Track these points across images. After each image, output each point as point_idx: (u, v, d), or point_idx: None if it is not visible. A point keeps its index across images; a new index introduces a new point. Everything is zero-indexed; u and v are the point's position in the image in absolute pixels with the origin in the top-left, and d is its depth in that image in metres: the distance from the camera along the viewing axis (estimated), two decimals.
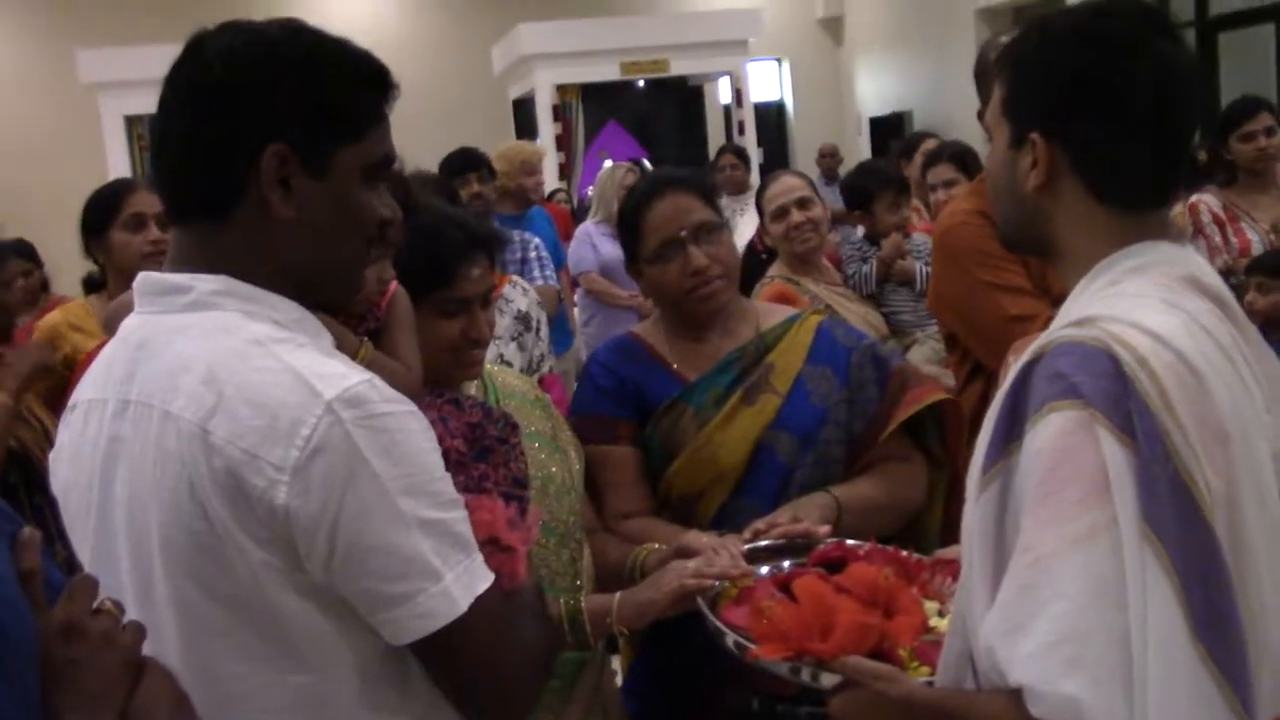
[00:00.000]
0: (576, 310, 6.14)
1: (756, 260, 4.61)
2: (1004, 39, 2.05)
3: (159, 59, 1.36)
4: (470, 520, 1.41)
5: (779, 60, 14.90)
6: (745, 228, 5.83)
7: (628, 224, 2.31)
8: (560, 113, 11.05)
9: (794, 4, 14.70)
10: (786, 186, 3.73)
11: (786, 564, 1.89)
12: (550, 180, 9.87)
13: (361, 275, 1.43)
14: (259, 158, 1.27)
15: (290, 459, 1.19)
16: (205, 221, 1.31)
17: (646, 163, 11.26)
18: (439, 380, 1.97)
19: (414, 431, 1.26)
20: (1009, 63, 1.42)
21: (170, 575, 1.25)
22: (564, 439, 2.18)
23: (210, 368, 1.24)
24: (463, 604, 1.25)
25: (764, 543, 1.94)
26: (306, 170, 1.29)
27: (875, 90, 14.38)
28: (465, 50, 13.18)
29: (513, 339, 3.25)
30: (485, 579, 1.29)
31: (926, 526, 2.34)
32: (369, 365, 1.58)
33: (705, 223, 2.24)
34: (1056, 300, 1.43)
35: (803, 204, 3.67)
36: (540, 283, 4.49)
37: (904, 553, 1.88)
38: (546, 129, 10.88)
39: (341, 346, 1.56)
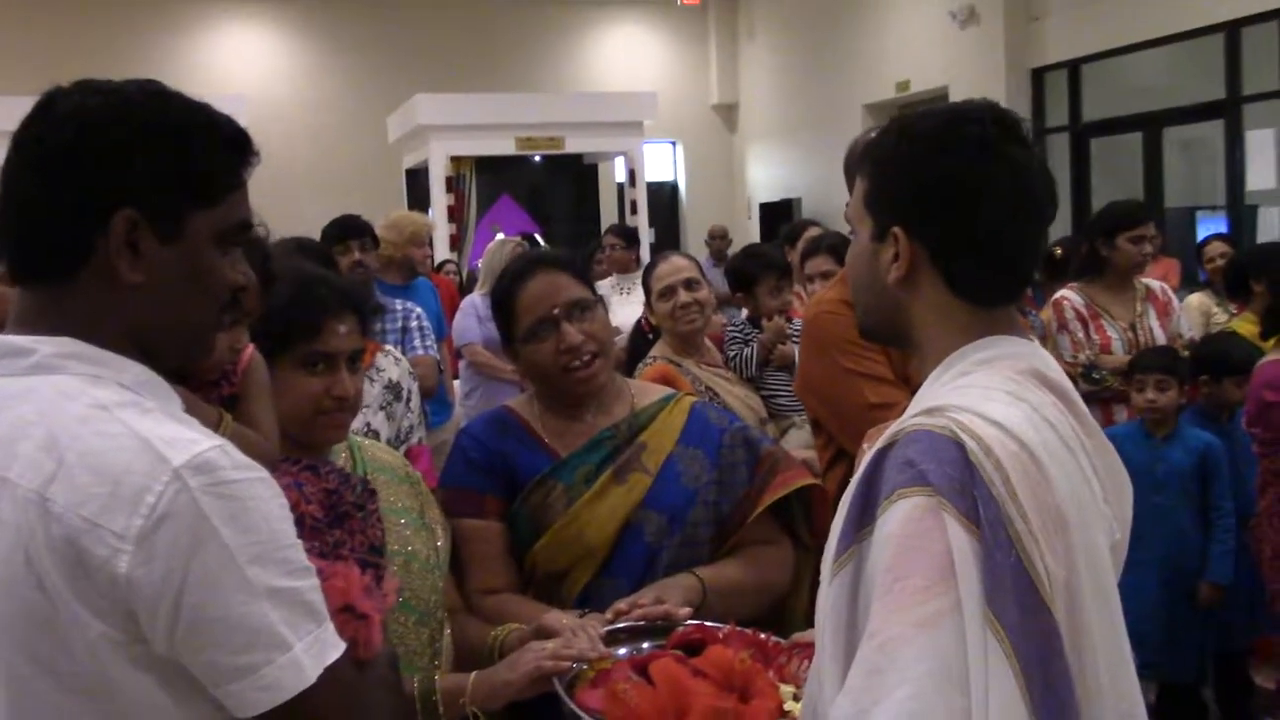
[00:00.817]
0: (458, 382, 6.10)
1: (644, 339, 4.62)
2: (874, 133, 2.12)
3: (21, 110, 1.33)
4: (325, 587, 1.38)
5: (674, 143, 15.18)
6: (632, 307, 5.85)
7: (501, 305, 2.31)
8: (453, 184, 11.05)
9: (689, 89, 15.02)
10: (674, 267, 3.76)
11: (646, 645, 1.88)
12: (441, 251, 9.85)
13: (213, 340, 1.41)
14: (108, 221, 1.24)
15: (134, 527, 1.15)
16: (50, 283, 1.27)
17: (538, 237, 11.33)
18: (301, 442, 1.94)
19: (264, 499, 1.22)
20: (871, 160, 1.47)
21: (2, 649, 1.20)
22: (431, 516, 2.15)
23: (50, 433, 1.20)
24: (311, 674, 1.21)
25: (625, 624, 1.93)
26: (157, 235, 1.26)
27: (765, 176, 14.72)
28: (360, 118, 13.17)
29: (381, 408, 3.21)
30: (336, 649, 1.26)
31: (792, 610, 2.34)
32: (230, 438, 1.54)
33: (578, 300, 2.25)
34: (916, 390, 1.47)
35: (690, 285, 3.70)
36: (420, 352, 4.44)
37: (763, 635, 1.88)
38: (439, 200, 10.87)
39: (200, 420, 1.53)
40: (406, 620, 1.98)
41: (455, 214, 11.12)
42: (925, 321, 1.43)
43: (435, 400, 5.20)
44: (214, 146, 1.31)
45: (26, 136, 1.27)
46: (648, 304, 3.77)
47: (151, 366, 1.31)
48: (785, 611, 2.32)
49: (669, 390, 2.45)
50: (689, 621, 1.93)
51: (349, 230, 4.53)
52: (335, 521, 1.61)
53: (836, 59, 12.98)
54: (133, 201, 1.24)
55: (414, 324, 4.48)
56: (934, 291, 1.41)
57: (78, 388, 1.23)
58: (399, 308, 4.51)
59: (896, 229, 1.40)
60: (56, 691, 1.19)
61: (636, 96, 11.99)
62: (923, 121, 1.43)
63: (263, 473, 1.24)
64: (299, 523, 1.49)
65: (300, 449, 1.96)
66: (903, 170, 1.42)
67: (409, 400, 3.32)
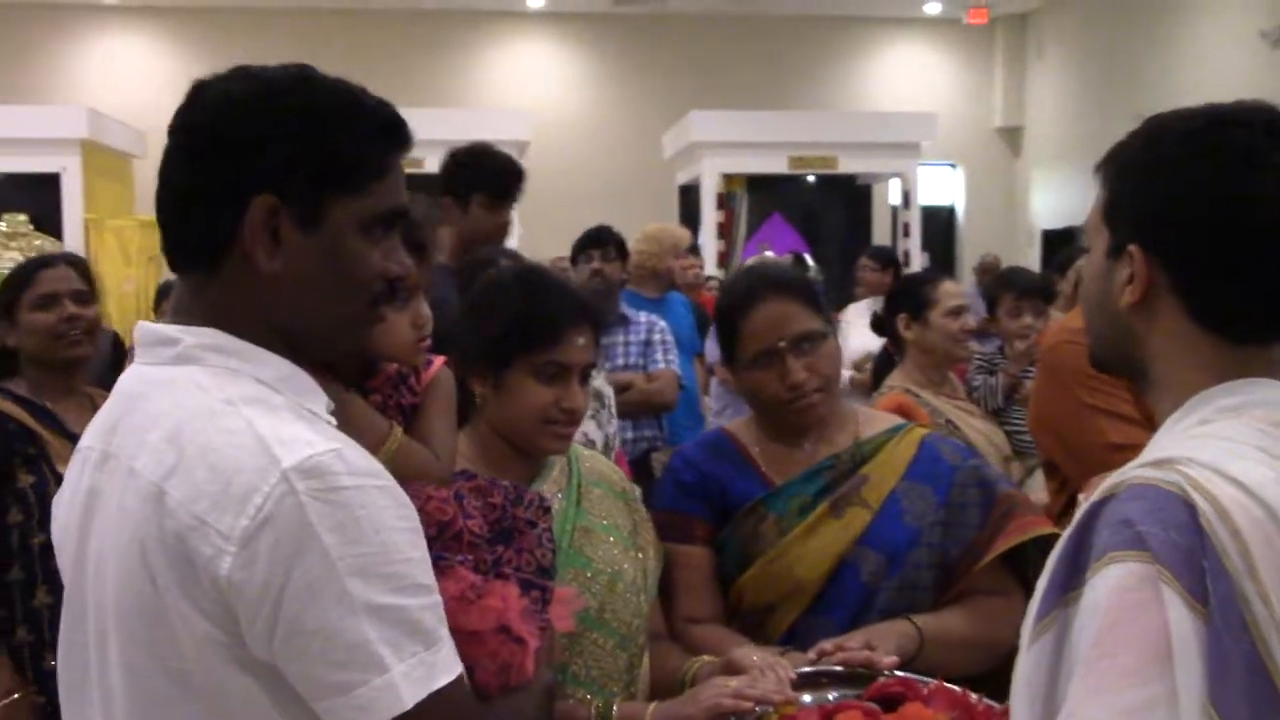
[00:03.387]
0: (710, 399, 6.04)
1: (891, 365, 4.43)
2: None
3: None
4: (480, 605, 1.33)
5: (953, 165, 14.72)
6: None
7: (725, 323, 2.20)
8: (724, 201, 11.08)
9: (972, 110, 14.55)
10: (960, 290, 3.58)
11: (834, 696, 1.74)
12: (709, 267, 9.85)
13: (363, 333, 1.36)
14: (247, 208, 1.22)
15: (239, 528, 1.12)
16: (197, 271, 1.27)
17: (808, 257, 11.18)
18: (522, 449, 1.93)
19: (380, 508, 1.16)
20: (1114, 165, 1.30)
21: (121, 639, 1.20)
22: (644, 538, 2.08)
23: (177, 425, 1.19)
24: (408, 700, 1.14)
25: (820, 668, 1.80)
26: (297, 222, 1.23)
27: (1050, 203, 14.07)
28: (637, 134, 13.39)
29: (591, 416, 3.21)
30: (447, 673, 1.18)
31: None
32: (397, 452, 1.51)
33: (806, 333, 2.12)
34: None
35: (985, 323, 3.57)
36: (661, 366, 4.42)
37: (973, 697, 1.70)
38: (709, 216, 10.93)
39: (369, 431, 1.50)
40: (605, 643, 1.91)
41: (725, 231, 11.16)
42: (1163, 356, 1.24)
43: (688, 415, 5.16)
44: (358, 132, 1.27)
45: (177, 125, 1.26)
46: (920, 315, 3.50)
47: (297, 359, 1.28)
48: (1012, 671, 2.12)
49: (899, 420, 2.29)
50: (893, 672, 1.78)
51: (592, 240, 4.63)
52: (500, 538, 1.55)
53: (1131, 81, 12.24)
54: (272, 187, 1.22)
55: (656, 337, 4.45)
56: (1174, 321, 1.22)
57: (211, 381, 1.21)
58: (642, 320, 4.49)
59: (1132, 247, 1.22)
60: (169, 685, 1.18)
61: (914, 117, 11.69)
62: (1179, 122, 1.24)
63: (383, 480, 1.19)
64: (456, 538, 1.44)
65: (519, 456, 1.94)
66: (1146, 178, 1.23)
67: (611, 407, 3.32)
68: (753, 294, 2.16)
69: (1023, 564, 2.13)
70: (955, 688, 1.73)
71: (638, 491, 2.18)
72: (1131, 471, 1.15)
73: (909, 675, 1.77)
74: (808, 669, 1.80)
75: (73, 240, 9.91)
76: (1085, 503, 1.19)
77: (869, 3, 13.78)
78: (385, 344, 1.59)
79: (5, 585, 2.69)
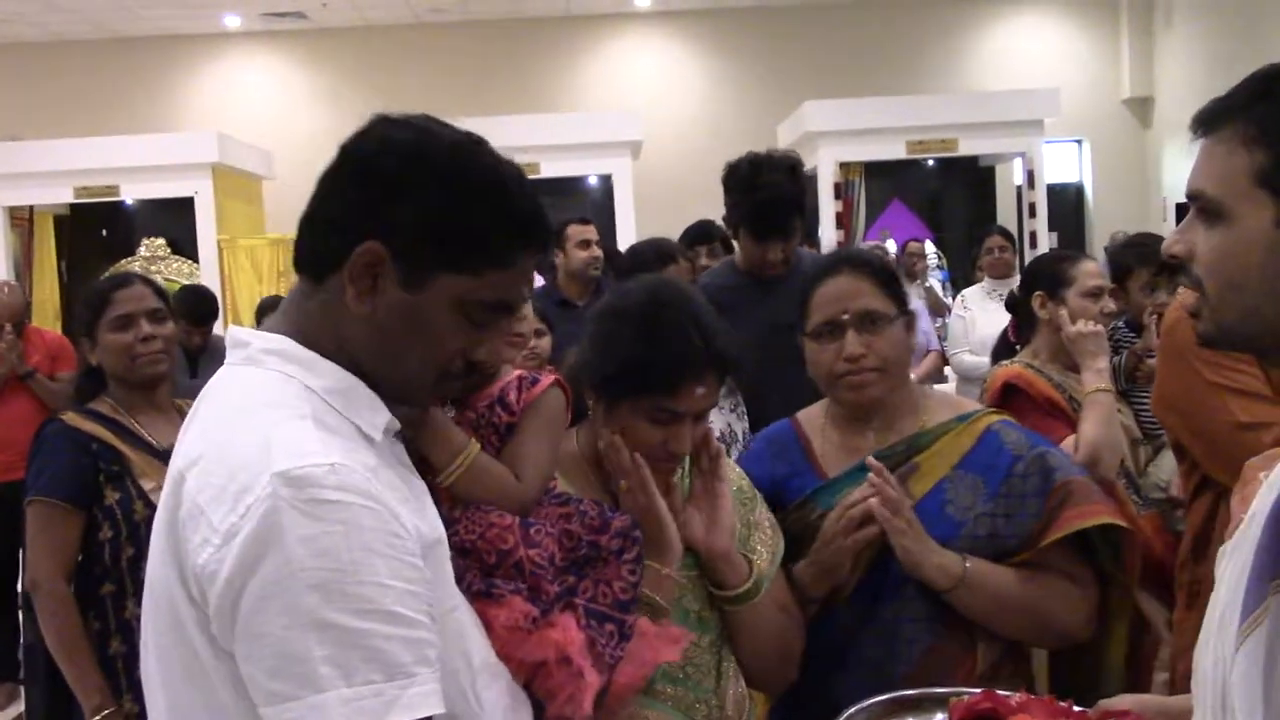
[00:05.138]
0: None
1: (1009, 351, 4.30)
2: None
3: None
4: (540, 636, 1.33)
5: (1079, 141, 14.28)
6: (1002, 314, 5.52)
7: (802, 295, 2.19)
8: (842, 190, 10.95)
9: (1098, 84, 14.07)
10: (1099, 270, 3.39)
11: None
12: None
13: (424, 393, 1.37)
14: (359, 245, 1.25)
15: (227, 523, 1.15)
16: (308, 279, 1.33)
17: (930, 244, 10.97)
18: None
19: (361, 528, 1.15)
20: (1269, 118, 1.18)
21: (150, 614, 1.27)
22: (757, 538, 2.02)
23: (214, 422, 1.25)
24: None
25: (899, 694, 1.78)
26: (399, 278, 1.26)
27: (1183, 175, 13.41)
28: (750, 128, 13.24)
29: (732, 409, 3.18)
30: (409, 711, 1.13)
31: (1106, 665, 2.08)
32: (469, 471, 1.50)
33: (871, 311, 2.10)
34: None
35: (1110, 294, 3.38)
36: None
37: (1062, 703, 1.64)
38: (827, 207, 10.80)
39: (442, 445, 1.50)
40: (701, 639, 1.89)
41: (843, 221, 11.02)
42: None
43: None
44: (492, 218, 1.28)
45: (344, 146, 1.31)
46: (1056, 293, 3.32)
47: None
48: (1098, 667, 2.07)
49: (972, 408, 2.23)
50: (975, 690, 1.73)
51: (701, 235, 4.68)
52: (573, 568, 1.52)
53: (1267, 47, 11.72)
54: (387, 237, 1.25)
55: None
56: None
57: (262, 384, 1.26)
58: None
59: None
60: (182, 664, 1.22)
61: (1035, 94, 11.36)
62: None
63: (373, 503, 1.17)
64: (516, 567, 1.43)
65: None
66: None
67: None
68: (830, 267, 2.17)
69: (1095, 554, 2.08)
70: (1044, 697, 1.67)
71: (757, 493, 2.12)
72: None
73: (993, 690, 1.72)
74: (886, 696, 1.77)
75: (208, 260, 10.27)
76: (1270, 481, 1.11)
77: None
78: None
79: (99, 599, 2.79)
